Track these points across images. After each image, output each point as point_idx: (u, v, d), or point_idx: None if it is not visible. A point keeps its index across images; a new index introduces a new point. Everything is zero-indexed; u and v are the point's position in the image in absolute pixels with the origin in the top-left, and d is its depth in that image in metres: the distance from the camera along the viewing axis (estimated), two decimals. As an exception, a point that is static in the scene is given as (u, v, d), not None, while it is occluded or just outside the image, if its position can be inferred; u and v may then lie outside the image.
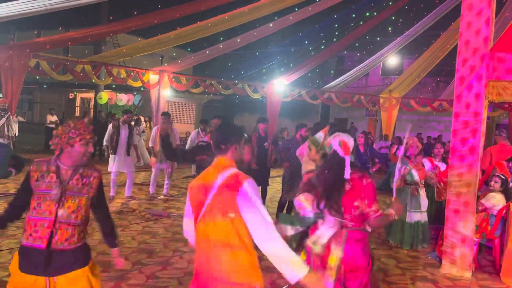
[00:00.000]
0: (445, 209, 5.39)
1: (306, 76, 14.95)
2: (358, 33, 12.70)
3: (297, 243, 2.97)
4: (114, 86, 18.61)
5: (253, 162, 7.49)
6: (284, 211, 6.49)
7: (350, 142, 2.75)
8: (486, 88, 4.94)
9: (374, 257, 3.29)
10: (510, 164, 5.95)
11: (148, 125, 14.69)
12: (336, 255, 2.63)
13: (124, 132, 7.81)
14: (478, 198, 5.29)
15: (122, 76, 11.82)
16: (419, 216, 6.02)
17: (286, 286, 3.23)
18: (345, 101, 15.66)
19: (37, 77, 16.25)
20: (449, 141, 7.23)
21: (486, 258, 5.66)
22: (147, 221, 6.63)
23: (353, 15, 11.77)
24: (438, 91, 18.43)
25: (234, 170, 2.37)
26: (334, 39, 13.19)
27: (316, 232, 2.70)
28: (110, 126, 7.94)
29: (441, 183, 6.20)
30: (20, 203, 2.62)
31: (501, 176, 5.55)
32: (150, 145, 8.39)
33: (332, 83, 15.54)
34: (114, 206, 7.31)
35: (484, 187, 6.01)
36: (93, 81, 11.67)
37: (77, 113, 25.64)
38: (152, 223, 6.55)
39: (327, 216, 2.67)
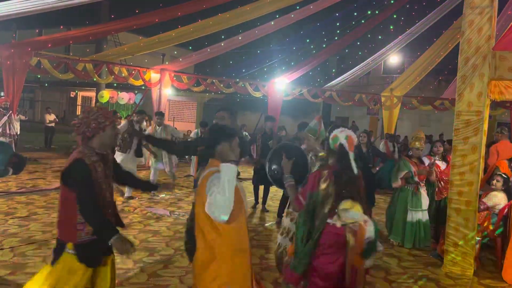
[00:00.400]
0: (443, 209, 5.39)
1: (307, 74, 14.90)
2: (360, 32, 12.68)
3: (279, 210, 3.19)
4: (115, 84, 18.65)
5: (256, 162, 7.51)
6: (286, 209, 6.47)
7: (355, 139, 2.83)
8: (488, 87, 4.92)
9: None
10: (512, 163, 5.95)
11: (149, 124, 14.66)
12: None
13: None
14: (480, 197, 5.29)
15: (123, 75, 11.81)
16: (420, 214, 6.01)
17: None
18: (346, 99, 15.63)
19: (39, 76, 16.28)
20: (448, 140, 7.23)
21: (488, 257, 5.65)
22: (149, 219, 6.65)
23: (355, 14, 11.76)
24: (440, 89, 18.38)
25: (212, 169, 2.58)
26: (336, 38, 13.16)
27: (366, 234, 2.73)
28: (124, 123, 7.77)
29: (441, 182, 6.19)
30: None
31: (503, 175, 5.56)
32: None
33: (334, 82, 15.51)
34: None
35: (486, 186, 6.00)
36: (95, 79, 11.64)
37: (79, 112, 25.66)
38: (154, 221, 6.56)
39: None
